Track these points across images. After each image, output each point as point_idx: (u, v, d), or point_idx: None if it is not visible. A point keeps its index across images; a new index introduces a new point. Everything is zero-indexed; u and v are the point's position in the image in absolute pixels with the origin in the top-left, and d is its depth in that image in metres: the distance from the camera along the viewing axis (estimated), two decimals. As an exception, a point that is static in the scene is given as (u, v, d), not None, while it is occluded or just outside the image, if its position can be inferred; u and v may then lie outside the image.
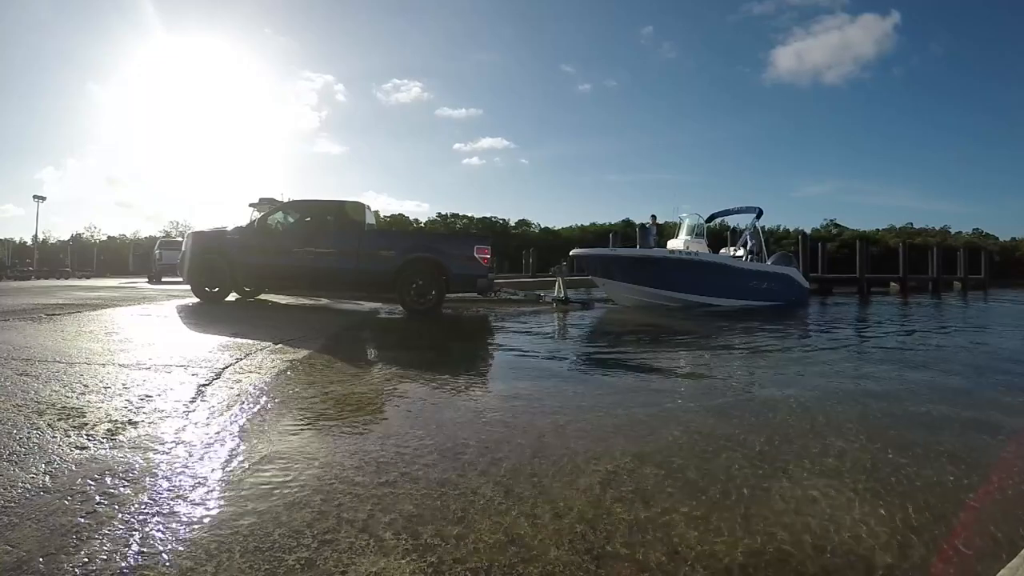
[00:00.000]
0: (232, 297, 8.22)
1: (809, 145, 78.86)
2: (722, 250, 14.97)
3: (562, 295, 11.15)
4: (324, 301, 9.06)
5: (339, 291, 8.66)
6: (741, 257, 13.44)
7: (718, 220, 15.62)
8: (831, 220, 52.64)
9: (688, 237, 13.32)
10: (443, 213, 57.29)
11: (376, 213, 9.54)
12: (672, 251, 12.43)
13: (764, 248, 14.35)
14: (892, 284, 25.41)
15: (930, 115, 73.44)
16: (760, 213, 14.06)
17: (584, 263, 12.50)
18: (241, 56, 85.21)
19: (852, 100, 74.36)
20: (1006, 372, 4.71)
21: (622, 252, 12.74)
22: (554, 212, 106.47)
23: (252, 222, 8.73)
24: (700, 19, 79.52)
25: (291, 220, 8.24)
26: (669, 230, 14.76)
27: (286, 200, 16.53)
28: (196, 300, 7.77)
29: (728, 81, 79.93)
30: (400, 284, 7.52)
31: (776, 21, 77.41)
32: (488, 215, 56.70)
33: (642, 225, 15.80)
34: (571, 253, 12.70)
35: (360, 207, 8.24)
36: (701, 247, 13.06)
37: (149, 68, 77.60)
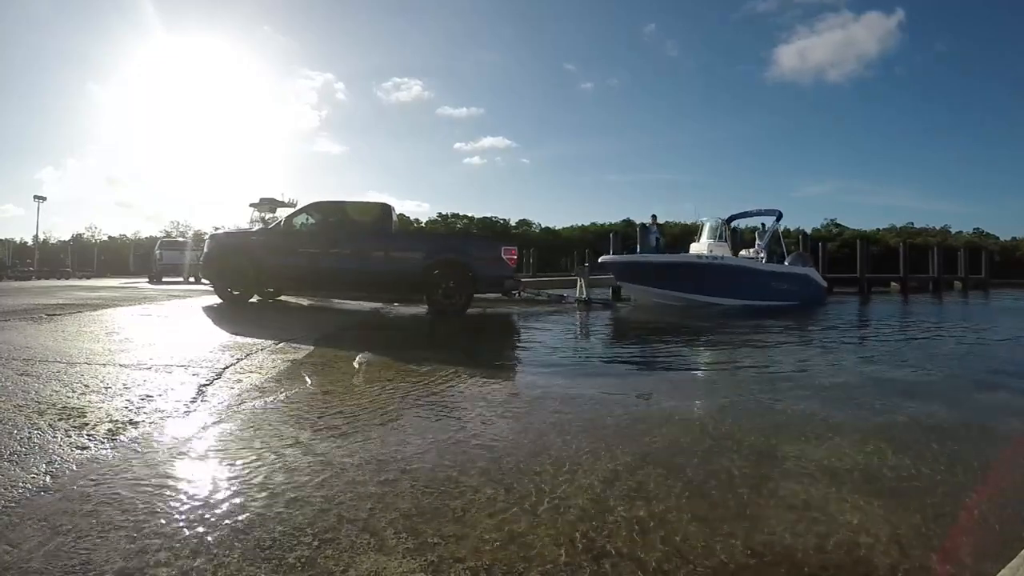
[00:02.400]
0: (255, 299, 8.01)
1: (809, 145, 78.95)
2: (742, 252, 15.14)
3: (584, 296, 11.26)
4: (321, 301, 9.01)
5: (366, 292, 8.46)
6: (762, 259, 13.64)
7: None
8: (831, 220, 52.78)
9: (711, 240, 13.56)
10: (443, 213, 57.39)
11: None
12: (699, 255, 12.76)
13: (784, 249, 14.75)
14: (893, 284, 25.40)
15: (930, 115, 73.54)
16: (780, 216, 14.39)
17: (610, 268, 13.04)
18: (241, 55, 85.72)
19: (853, 99, 74.40)
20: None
21: (650, 258, 12.99)
22: (554, 212, 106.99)
23: (277, 223, 8.56)
24: (702, 17, 79.61)
25: (316, 221, 8.00)
26: (669, 230, 14.98)
27: (286, 200, 16.58)
28: (197, 300, 7.75)
29: (730, 80, 79.99)
30: (428, 285, 7.45)
31: (780, 19, 77.56)
32: (489, 215, 56.84)
33: (643, 225, 15.83)
34: (600, 260, 13.34)
35: (387, 208, 8.11)
36: (724, 250, 13.37)
37: (149, 68, 78.00)
